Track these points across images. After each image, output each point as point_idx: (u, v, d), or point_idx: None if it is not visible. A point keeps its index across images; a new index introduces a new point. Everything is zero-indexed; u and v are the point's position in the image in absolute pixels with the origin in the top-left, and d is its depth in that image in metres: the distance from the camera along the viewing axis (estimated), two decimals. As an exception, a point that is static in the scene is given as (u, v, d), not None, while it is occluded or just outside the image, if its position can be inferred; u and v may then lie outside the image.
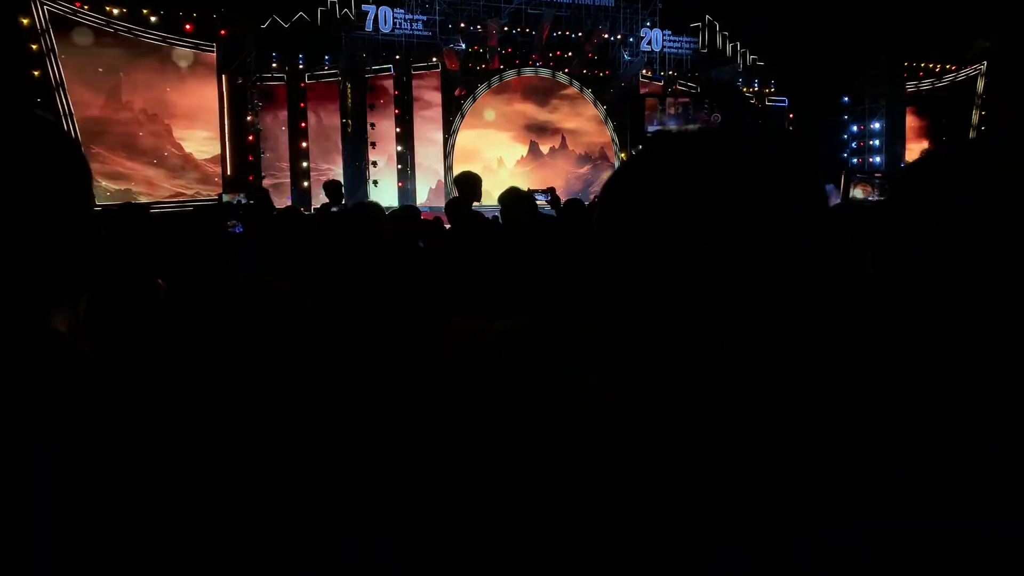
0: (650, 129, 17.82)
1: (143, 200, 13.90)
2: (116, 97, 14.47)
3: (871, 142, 20.28)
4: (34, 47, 13.08)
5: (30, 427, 0.69)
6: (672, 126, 17.28)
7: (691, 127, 0.88)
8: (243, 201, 8.59)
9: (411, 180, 17.26)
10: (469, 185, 6.07)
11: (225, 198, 11.86)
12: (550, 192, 7.08)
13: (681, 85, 19.61)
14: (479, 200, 6.47)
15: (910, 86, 20.38)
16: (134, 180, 14.61)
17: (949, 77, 20.62)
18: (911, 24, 17.65)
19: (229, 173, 15.68)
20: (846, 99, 20.70)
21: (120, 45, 14.38)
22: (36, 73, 12.90)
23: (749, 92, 19.62)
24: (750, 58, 19.61)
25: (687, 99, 18.20)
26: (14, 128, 0.81)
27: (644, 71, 19.15)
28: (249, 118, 16.05)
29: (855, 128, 20.71)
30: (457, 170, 18.04)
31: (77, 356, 0.80)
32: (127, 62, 14.49)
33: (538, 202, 5.45)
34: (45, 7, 13.33)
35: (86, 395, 0.76)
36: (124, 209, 4.98)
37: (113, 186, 14.19)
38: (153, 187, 14.85)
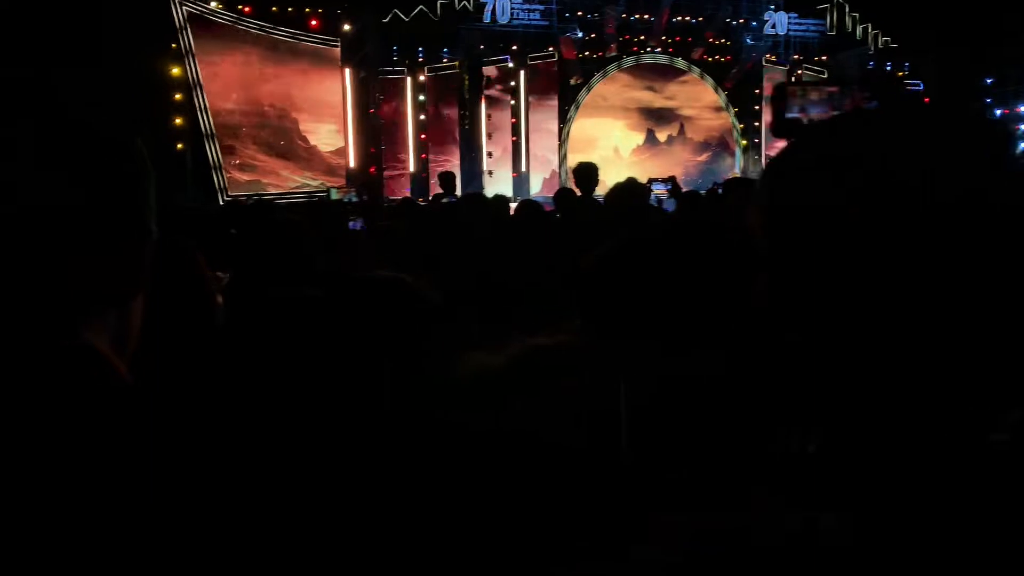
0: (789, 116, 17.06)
1: (271, 191, 14.54)
2: (247, 92, 15.14)
3: (1020, 127, 18.90)
4: (173, 45, 13.84)
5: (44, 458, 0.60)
6: (814, 113, 16.52)
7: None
8: (353, 199, 8.83)
9: (525, 170, 17.32)
10: (585, 175, 6.01)
11: (335, 194, 12.17)
12: (671, 181, 6.92)
13: (807, 69, 18.85)
14: (592, 192, 6.41)
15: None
16: (263, 172, 15.27)
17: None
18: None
19: (353, 165, 16.16)
20: (989, 80, 19.37)
21: (251, 42, 15.02)
22: (176, 71, 13.65)
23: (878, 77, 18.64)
24: (881, 39, 18.59)
25: (835, 87, 17.25)
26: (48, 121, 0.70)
27: (768, 56, 18.51)
28: (371, 111, 16.49)
29: (999, 112, 19.35)
30: (572, 160, 18.00)
31: (109, 378, 0.70)
32: (258, 58, 15.14)
33: (657, 191, 5.34)
34: (184, 7, 14.07)
35: (112, 427, 0.64)
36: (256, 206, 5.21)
37: (244, 177, 14.87)
38: (281, 179, 15.48)
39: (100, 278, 0.71)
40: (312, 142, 16.05)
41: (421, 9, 16.52)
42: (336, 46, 15.94)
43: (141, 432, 0.65)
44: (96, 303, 0.73)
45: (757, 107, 18.99)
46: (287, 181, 15.52)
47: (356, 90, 16.30)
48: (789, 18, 18.30)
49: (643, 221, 3.81)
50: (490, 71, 17.16)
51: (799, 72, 18.79)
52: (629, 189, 4.72)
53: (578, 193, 5.98)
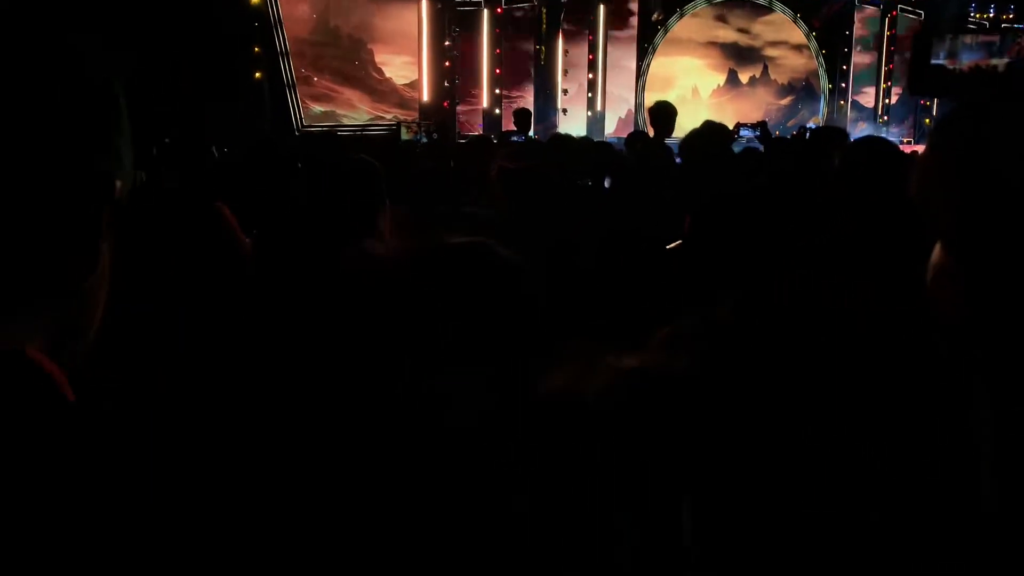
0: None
1: (345, 122, 14.62)
2: (324, 22, 15.13)
3: None
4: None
5: None
6: (967, 60, 15.59)
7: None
8: (423, 139, 8.70)
9: (600, 109, 16.99)
10: (663, 116, 5.81)
11: (405, 133, 12.05)
12: (760, 127, 6.59)
13: (904, 10, 17.85)
14: (670, 135, 6.24)
15: None
16: (338, 102, 15.34)
17: None
18: None
19: (427, 99, 16.09)
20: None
21: (330, -29, 14.96)
22: (255, 1, 13.68)
23: (983, 18, 17.55)
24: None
25: (995, 36, 15.91)
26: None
27: (861, -6, 17.60)
28: (447, 43, 16.32)
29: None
30: (649, 100, 17.57)
31: (38, 393, 0.52)
32: (335, -12, 15.09)
33: (744, 136, 5.13)
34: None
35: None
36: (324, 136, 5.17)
37: (319, 107, 14.97)
38: (355, 109, 15.53)
39: (36, 259, 0.53)
40: (387, 74, 16.01)
41: (504, -59, 16.15)
42: (413, -25, 15.75)
43: (79, 458, 0.49)
44: (32, 291, 0.54)
45: (846, 49, 18.11)
46: (360, 112, 15.57)
47: (432, 22, 16.12)
48: (887, -46, 17.30)
49: (725, 171, 3.66)
50: (568, 5, 16.74)
51: (893, 12, 17.82)
52: (708, 134, 4.55)
53: (651, 134, 5.80)
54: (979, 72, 15.47)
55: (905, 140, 16.99)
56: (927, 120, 18.21)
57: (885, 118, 17.69)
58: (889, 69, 18.20)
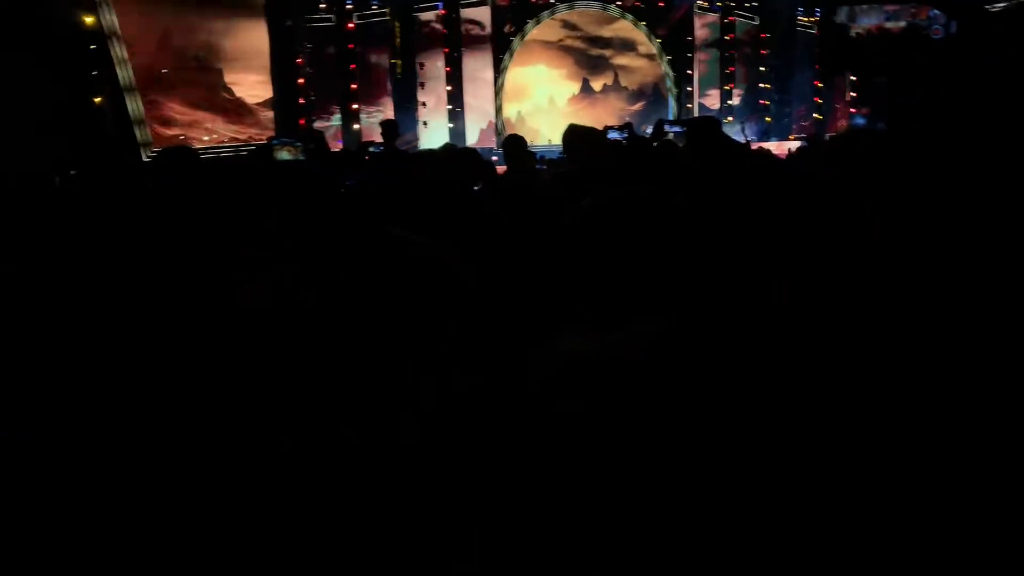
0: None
1: (197, 146, 14.01)
2: (168, 43, 14.49)
3: None
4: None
5: None
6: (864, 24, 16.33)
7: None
8: (301, 158, 8.38)
9: (461, 120, 17.08)
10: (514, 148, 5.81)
11: (285, 155, 11.56)
12: (626, 128, 6.73)
13: (739, 15, 18.93)
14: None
15: None
16: (188, 126, 14.72)
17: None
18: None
19: (281, 117, 15.70)
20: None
21: (170, -11, 14.35)
22: (90, 20, 12.93)
23: (811, 21, 18.84)
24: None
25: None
26: None
27: (700, 2, 18.51)
28: (299, 61, 15.97)
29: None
30: (507, 110, 17.81)
31: None
32: (178, 8, 14.47)
33: (612, 138, 5.25)
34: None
35: None
36: (171, 152, 4.86)
37: (168, 132, 14.31)
38: (207, 132, 14.94)
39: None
40: (238, 94, 15.49)
41: (348, -46, 15.99)
42: (260, -7, 15.34)
43: None
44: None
45: (690, 55, 19.02)
46: (213, 135, 15.00)
47: (282, 39, 15.74)
48: (720, -36, 18.30)
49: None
50: (422, 18, 16.76)
51: (730, 18, 18.87)
52: (584, 131, 4.68)
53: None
54: (880, 39, 16.66)
55: (748, 139, 17.97)
56: (767, 119, 19.34)
57: (730, 118, 18.63)
58: (729, 71, 19.23)
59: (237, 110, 15.42)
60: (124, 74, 13.48)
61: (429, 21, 16.77)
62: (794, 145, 13.01)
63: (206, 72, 15.01)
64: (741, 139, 8.31)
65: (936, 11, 16.44)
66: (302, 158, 8.05)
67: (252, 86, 15.59)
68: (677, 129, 7.67)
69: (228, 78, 15.31)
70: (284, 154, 10.29)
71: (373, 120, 16.27)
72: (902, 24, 16.92)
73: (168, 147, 6.23)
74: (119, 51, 13.47)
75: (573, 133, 4.44)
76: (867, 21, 17.15)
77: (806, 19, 18.86)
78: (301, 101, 16.09)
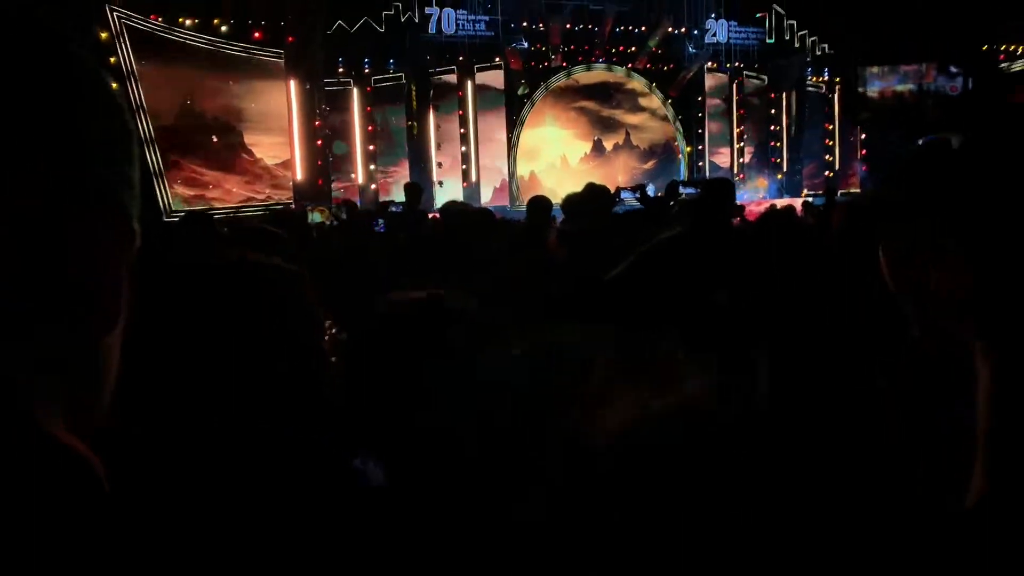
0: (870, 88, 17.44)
1: (217, 206, 14.24)
2: (190, 106, 14.84)
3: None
4: (112, 60, 13.50)
5: None
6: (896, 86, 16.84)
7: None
8: (334, 223, 8.51)
9: (475, 180, 17.33)
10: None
11: (318, 217, 11.64)
12: (640, 189, 6.83)
13: (749, 76, 19.26)
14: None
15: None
16: (207, 186, 14.98)
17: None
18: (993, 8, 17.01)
19: (300, 178, 15.96)
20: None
21: (193, 55, 14.74)
22: (115, 86, 13.27)
23: (819, 81, 19.15)
24: (819, 47, 19.13)
25: (916, 65, 17.37)
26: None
27: (710, 63, 18.86)
28: (317, 123, 16.31)
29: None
30: (522, 168, 18.06)
31: (62, 471, 0.43)
32: (200, 71, 14.86)
33: (625, 199, 5.36)
34: (122, 21, 13.74)
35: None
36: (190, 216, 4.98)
37: (188, 192, 14.57)
38: (226, 193, 15.20)
39: (59, 305, 0.44)
40: (258, 155, 15.79)
41: (366, 20, 16.43)
42: (280, 58, 15.73)
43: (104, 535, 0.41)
44: (50, 345, 0.45)
45: (700, 114, 19.32)
46: (232, 196, 15.25)
47: (302, 102, 16.10)
48: (729, 26, 18.70)
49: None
50: (437, 81, 17.13)
51: (740, 78, 19.20)
52: (593, 194, 4.79)
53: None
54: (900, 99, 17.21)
55: (760, 196, 18.15)
56: (779, 175, 19.53)
57: (741, 176, 18.83)
58: (740, 131, 19.50)
59: (256, 171, 15.70)
60: (145, 132, 13.80)
61: (444, 84, 17.14)
62: (805, 200, 13.14)
63: (226, 134, 15.34)
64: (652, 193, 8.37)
65: (942, 74, 16.81)
66: (335, 223, 8.21)
67: (271, 147, 15.90)
68: (691, 190, 7.76)
69: (248, 140, 15.63)
70: (316, 216, 10.51)
71: (390, 180, 16.53)
72: (910, 87, 17.29)
73: (191, 212, 6.36)
74: (143, 116, 13.80)
75: (574, 197, 4.56)
76: (879, 84, 17.54)
77: (815, 78, 19.18)
78: (319, 162, 16.38)
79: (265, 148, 15.87)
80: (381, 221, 6.90)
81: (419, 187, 7.22)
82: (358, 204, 13.45)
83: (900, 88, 17.54)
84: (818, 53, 19.12)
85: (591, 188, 4.96)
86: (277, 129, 15.93)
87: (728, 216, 3.79)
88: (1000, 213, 0.61)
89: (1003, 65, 18.11)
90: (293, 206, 14.39)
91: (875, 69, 17.53)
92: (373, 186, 16.60)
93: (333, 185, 16.27)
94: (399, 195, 9.19)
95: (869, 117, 17.37)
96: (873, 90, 17.68)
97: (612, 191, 6.05)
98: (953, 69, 16.96)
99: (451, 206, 5.10)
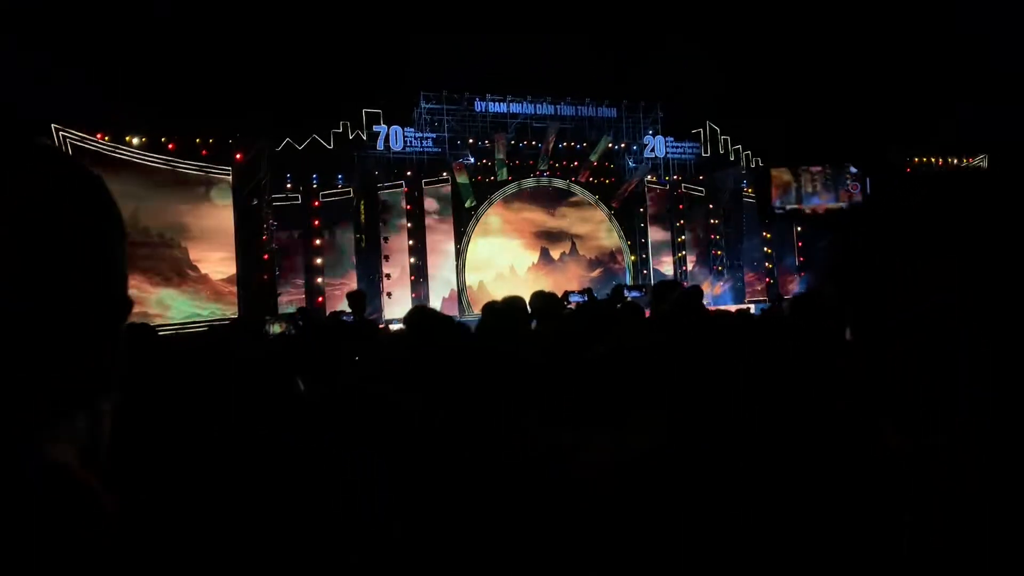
0: (779, 204, 18.42)
1: (158, 323, 13.98)
2: (135, 223, 14.77)
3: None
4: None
5: None
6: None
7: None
8: (292, 332, 8.46)
9: (425, 290, 17.41)
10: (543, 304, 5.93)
11: (276, 328, 11.59)
12: (587, 292, 7.01)
13: (687, 188, 20.00)
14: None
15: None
16: (149, 304, 14.75)
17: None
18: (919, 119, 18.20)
19: (246, 292, 15.83)
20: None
21: (139, 173, 14.79)
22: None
23: (753, 193, 19.95)
24: (753, 159, 20.06)
25: (820, 168, 18.53)
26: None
27: (649, 176, 19.57)
28: (264, 238, 16.33)
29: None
30: (471, 278, 18.23)
31: (91, 503, 0.50)
32: (146, 189, 14.87)
33: (573, 301, 5.42)
34: (68, 140, 13.79)
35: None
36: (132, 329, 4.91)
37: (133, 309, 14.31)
38: (166, 308, 14.97)
39: (63, 373, 0.52)
40: (203, 271, 15.68)
41: (314, 138, 16.75)
42: (227, 174, 15.87)
43: (120, 557, 0.48)
44: (59, 406, 0.52)
45: (643, 224, 19.90)
46: (173, 312, 15.02)
47: (248, 217, 16.15)
48: (666, 142, 19.53)
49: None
50: (385, 196, 17.40)
51: (679, 191, 19.92)
52: (548, 296, 4.84)
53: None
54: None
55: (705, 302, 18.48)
56: (720, 283, 20.03)
57: (685, 284, 19.25)
58: (680, 241, 20.09)
59: (202, 286, 15.55)
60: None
61: (392, 198, 17.42)
62: (752, 308, 13.46)
63: (172, 249, 15.24)
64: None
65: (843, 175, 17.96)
66: (293, 331, 8.11)
67: (218, 263, 15.81)
68: (636, 293, 7.91)
69: (193, 256, 15.54)
70: (276, 327, 10.36)
71: (338, 292, 16.49)
72: (842, 205, 18.39)
73: (129, 324, 6.23)
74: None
75: (538, 299, 4.61)
76: (816, 201, 18.56)
77: (749, 190, 20.00)
78: (266, 276, 16.31)
79: (211, 264, 15.78)
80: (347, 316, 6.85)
81: (363, 293, 7.20)
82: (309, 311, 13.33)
83: (831, 206, 18.66)
84: (752, 165, 20.03)
85: (540, 294, 5.00)
86: (223, 244, 15.89)
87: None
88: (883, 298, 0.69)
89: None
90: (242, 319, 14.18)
91: (809, 188, 18.54)
92: (320, 299, 16.54)
93: (280, 299, 16.15)
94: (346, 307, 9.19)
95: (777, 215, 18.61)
96: (808, 207, 18.71)
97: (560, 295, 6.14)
98: (853, 170, 18.23)
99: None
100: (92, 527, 0.49)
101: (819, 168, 18.51)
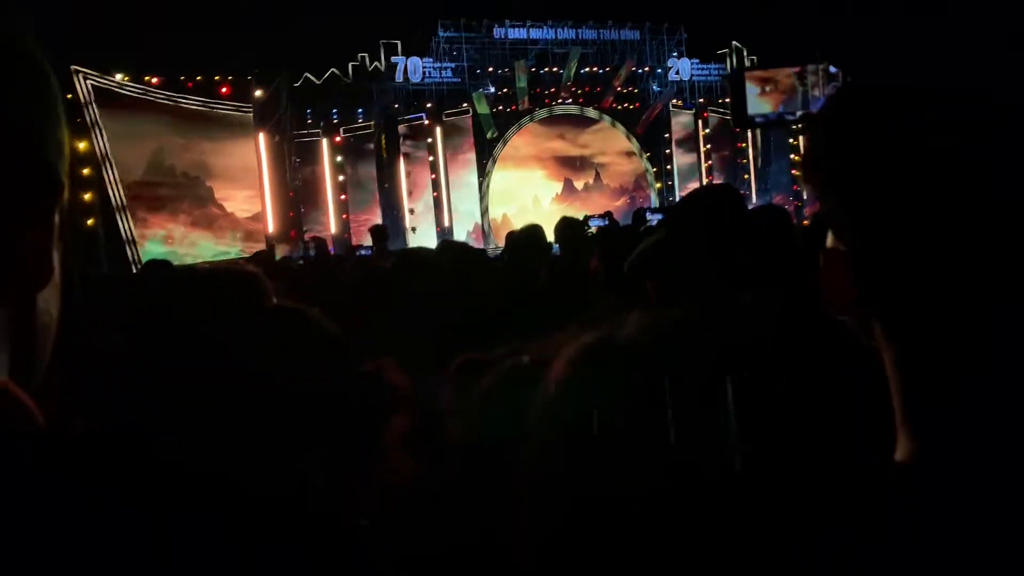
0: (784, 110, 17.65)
1: (188, 261, 14.14)
2: (159, 163, 14.83)
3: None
4: (79, 120, 13.49)
5: None
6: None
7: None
8: (300, 256, 8.59)
9: (448, 225, 17.38)
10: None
11: (280, 255, 11.78)
12: (607, 216, 7.00)
13: (712, 111, 19.58)
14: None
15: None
16: (178, 242, 14.90)
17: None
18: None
19: (272, 230, 15.92)
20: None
21: (160, 112, 14.78)
22: (83, 145, 13.27)
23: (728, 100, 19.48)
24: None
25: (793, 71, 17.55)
26: None
27: (674, 100, 19.18)
28: (288, 174, 16.34)
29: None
30: (494, 211, 18.15)
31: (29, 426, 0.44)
32: (168, 128, 14.88)
33: (593, 226, 5.41)
34: (88, 81, 13.77)
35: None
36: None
37: (159, 248, 14.47)
38: (197, 247, 15.11)
39: None
40: (229, 209, 15.76)
41: (332, 72, 16.57)
42: (249, 112, 15.80)
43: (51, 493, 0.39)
44: None
45: (668, 151, 19.58)
46: (204, 250, 15.17)
47: (271, 155, 16.14)
48: (691, 64, 19.06)
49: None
50: (406, 129, 17.26)
51: (704, 114, 19.52)
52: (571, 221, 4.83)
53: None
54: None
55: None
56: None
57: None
58: (709, 165, 19.76)
59: (227, 225, 15.66)
60: (116, 196, 13.76)
61: (413, 131, 17.27)
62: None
63: (197, 188, 15.31)
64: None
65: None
66: (302, 260, 8.21)
67: (243, 201, 15.88)
68: (659, 216, 7.87)
69: (218, 194, 15.61)
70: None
71: (363, 228, 16.53)
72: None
73: (150, 262, 6.26)
74: (111, 174, 13.78)
75: (558, 226, 4.65)
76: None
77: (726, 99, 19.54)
78: (291, 214, 16.38)
79: (237, 202, 15.85)
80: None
81: (384, 227, 7.23)
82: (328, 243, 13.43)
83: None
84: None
85: (562, 220, 4.99)
86: (248, 182, 15.93)
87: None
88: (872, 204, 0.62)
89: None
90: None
91: (816, 93, 17.79)
92: (345, 235, 16.60)
93: (305, 236, 16.25)
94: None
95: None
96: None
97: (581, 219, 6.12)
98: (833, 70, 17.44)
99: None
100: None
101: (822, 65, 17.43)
